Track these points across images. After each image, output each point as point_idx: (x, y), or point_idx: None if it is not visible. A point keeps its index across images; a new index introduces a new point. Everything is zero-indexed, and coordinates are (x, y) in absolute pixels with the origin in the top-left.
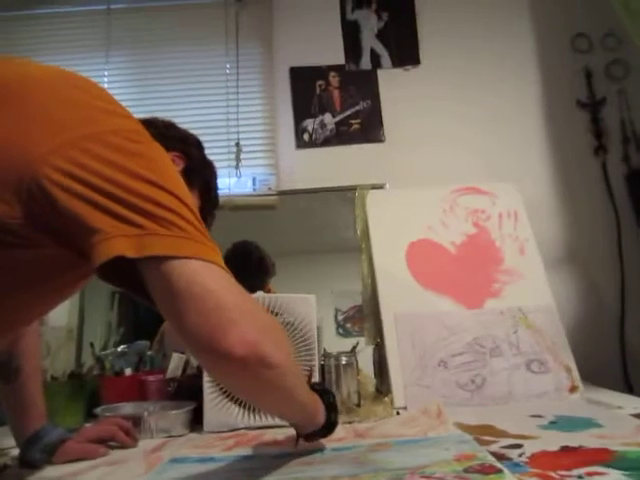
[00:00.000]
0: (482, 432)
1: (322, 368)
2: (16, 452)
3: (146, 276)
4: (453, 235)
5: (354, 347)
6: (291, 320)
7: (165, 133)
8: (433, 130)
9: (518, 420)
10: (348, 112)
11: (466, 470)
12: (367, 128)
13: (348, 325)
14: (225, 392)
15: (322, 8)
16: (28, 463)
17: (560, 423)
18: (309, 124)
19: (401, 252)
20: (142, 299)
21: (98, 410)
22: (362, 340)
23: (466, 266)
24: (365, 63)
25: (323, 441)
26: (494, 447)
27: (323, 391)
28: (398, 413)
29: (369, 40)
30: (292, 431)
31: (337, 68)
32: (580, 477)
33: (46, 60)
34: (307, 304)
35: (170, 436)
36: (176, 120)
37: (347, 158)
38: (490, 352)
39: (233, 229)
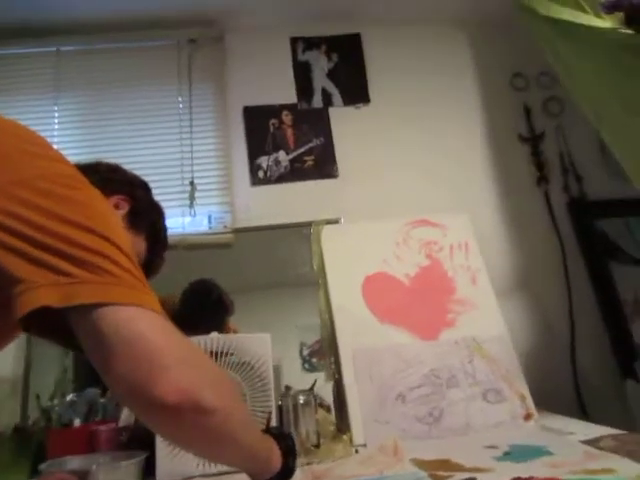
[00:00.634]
0: (438, 467)
1: (280, 408)
2: None
3: (75, 325)
4: (407, 267)
5: (313, 385)
6: (247, 360)
7: (109, 177)
8: (385, 164)
9: (474, 452)
10: (302, 149)
11: None
12: (321, 164)
13: (314, 360)
14: None
15: (274, 49)
16: None
17: (514, 454)
18: (263, 161)
19: (357, 286)
20: (72, 349)
21: (43, 466)
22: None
23: (421, 298)
24: (317, 102)
25: None
26: None
27: (280, 435)
28: (357, 451)
29: (320, 80)
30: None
31: (290, 107)
32: None
33: None
34: (262, 343)
35: None
36: (129, 160)
37: (302, 194)
38: (447, 382)
39: (190, 268)
